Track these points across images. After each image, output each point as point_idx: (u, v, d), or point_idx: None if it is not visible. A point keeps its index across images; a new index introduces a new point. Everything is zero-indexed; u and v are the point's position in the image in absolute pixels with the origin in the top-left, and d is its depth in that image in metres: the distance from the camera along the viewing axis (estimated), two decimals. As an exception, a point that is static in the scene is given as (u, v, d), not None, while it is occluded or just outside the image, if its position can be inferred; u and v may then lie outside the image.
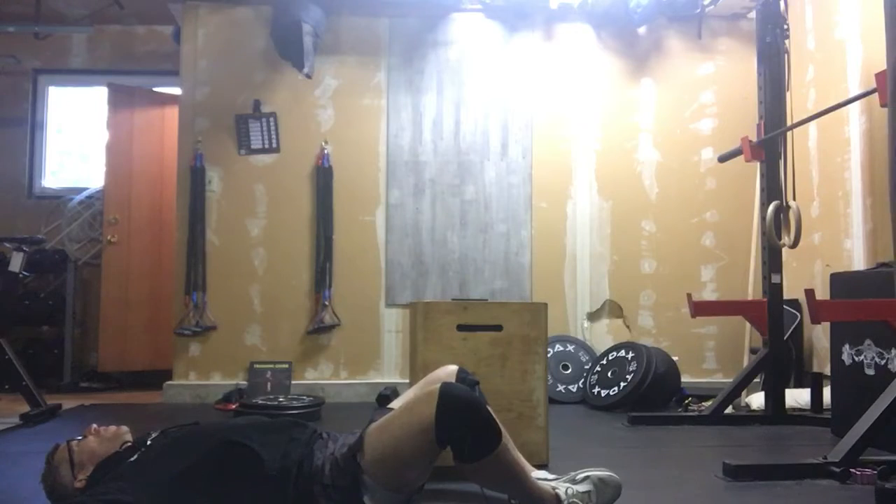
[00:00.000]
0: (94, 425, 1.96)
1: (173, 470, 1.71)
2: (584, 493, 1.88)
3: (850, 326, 3.06)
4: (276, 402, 3.87)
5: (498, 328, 2.52)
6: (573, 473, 1.95)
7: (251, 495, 1.74)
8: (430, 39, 4.78)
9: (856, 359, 3.04)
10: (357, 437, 1.81)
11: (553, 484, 1.92)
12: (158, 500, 1.66)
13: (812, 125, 4.25)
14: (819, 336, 4.21)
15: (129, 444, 1.88)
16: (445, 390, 1.73)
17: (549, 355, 3.10)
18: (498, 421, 1.79)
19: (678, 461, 2.86)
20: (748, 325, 4.31)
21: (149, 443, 1.85)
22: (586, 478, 1.92)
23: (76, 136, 5.86)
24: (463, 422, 1.71)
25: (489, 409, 1.80)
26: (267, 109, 4.65)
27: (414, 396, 1.87)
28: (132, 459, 1.80)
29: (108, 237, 5.08)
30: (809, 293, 2.60)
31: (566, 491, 1.88)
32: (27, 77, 5.69)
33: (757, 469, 2.47)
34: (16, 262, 3.83)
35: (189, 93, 4.66)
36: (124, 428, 1.95)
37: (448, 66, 4.77)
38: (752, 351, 4.32)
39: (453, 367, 2.05)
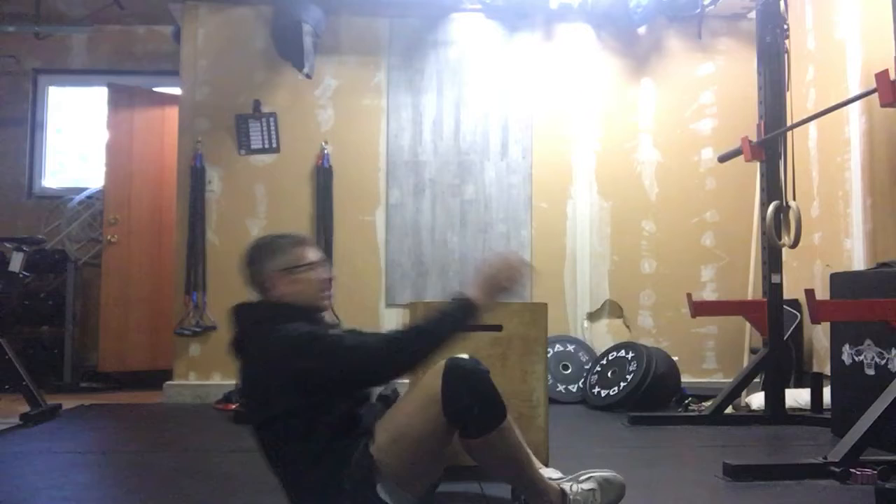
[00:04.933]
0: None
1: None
2: (588, 490, 1.89)
3: (850, 326, 3.06)
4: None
5: (498, 328, 2.51)
6: (576, 474, 1.95)
7: (335, 463, 1.78)
8: (430, 39, 4.77)
9: (856, 359, 3.03)
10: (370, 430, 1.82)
11: (557, 480, 1.92)
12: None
13: (812, 125, 4.25)
14: (819, 336, 4.20)
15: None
16: (452, 362, 1.79)
17: (549, 355, 3.09)
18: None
19: (678, 461, 2.86)
20: (748, 325, 4.31)
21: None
22: (590, 477, 1.93)
23: (76, 137, 5.86)
24: (469, 390, 1.75)
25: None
26: (267, 109, 4.65)
27: (421, 376, 1.89)
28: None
29: (108, 237, 5.07)
30: (809, 293, 2.60)
31: (570, 487, 1.89)
32: (27, 77, 5.69)
33: (757, 469, 2.47)
34: (16, 262, 3.83)
35: (189, 93, 4.66)
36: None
37: (448, 66, 4.77)
38: (752, 351, 4.31)
39: (465, 355, 2.04)
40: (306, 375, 1.75)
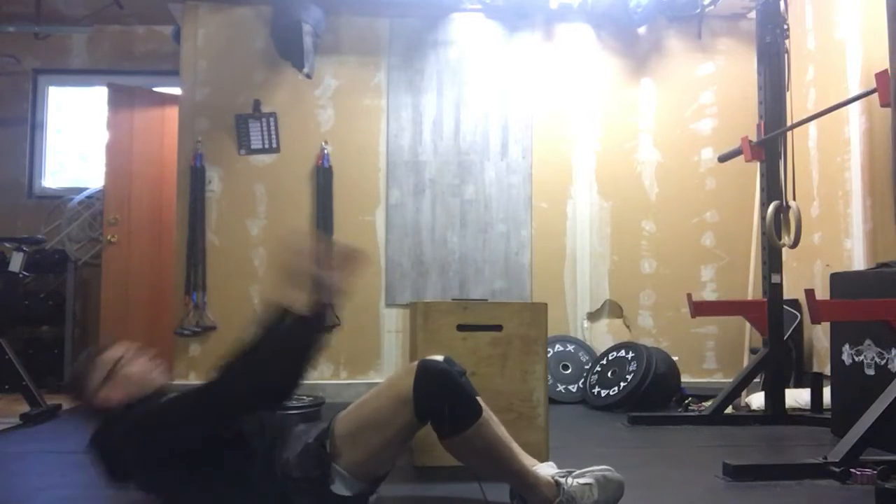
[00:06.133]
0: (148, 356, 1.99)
1: (176, 440, 1.74)
2: (584, 485, 1.88)
3: (850, 326, 3.06)
4: (276, 402, 3.86)
5: (498, 328, 2.52)
6: (576, 471, 1.95)
7: (236, 488, 1.75)
8: (430, 39, 4.77)
9: (856, 359, 3.04)
10: (326, 425, 1.82)
11: (553, 473, 1.92)
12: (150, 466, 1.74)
13: (812, 125, 4.25)
14: (819, 336, 4.21)
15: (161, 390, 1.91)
16: (423, 363, 1.81)
17: (549, 355, 3.09)
18: (479, 398, 1.83)
19: (678, 461, 2.86)
20: (748, 325, 4.31)
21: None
22: (588, 473, 1.92)
23: (76, 137, 5.86)
24: (441, 392, 1.77)
25: (470, 382, 1.85)
26: (267, 109, 4.65)
27: (392, 375, 1.92)
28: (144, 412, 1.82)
29: (108, 237, 5.07)
30: (809, 293, 2.60)
31: (566, 481, 1.88)
32: (27, 77, 5.69)
33: (757, 469, 2.47)
34: (16, 262, 3.84)
35: (189, 93, 4.66)
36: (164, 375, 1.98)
37: (448, 66, 4.77)
38: (752, 351, 4.31)
39: (439, 357, 2.04)
40: (179, 442, 1.72)
